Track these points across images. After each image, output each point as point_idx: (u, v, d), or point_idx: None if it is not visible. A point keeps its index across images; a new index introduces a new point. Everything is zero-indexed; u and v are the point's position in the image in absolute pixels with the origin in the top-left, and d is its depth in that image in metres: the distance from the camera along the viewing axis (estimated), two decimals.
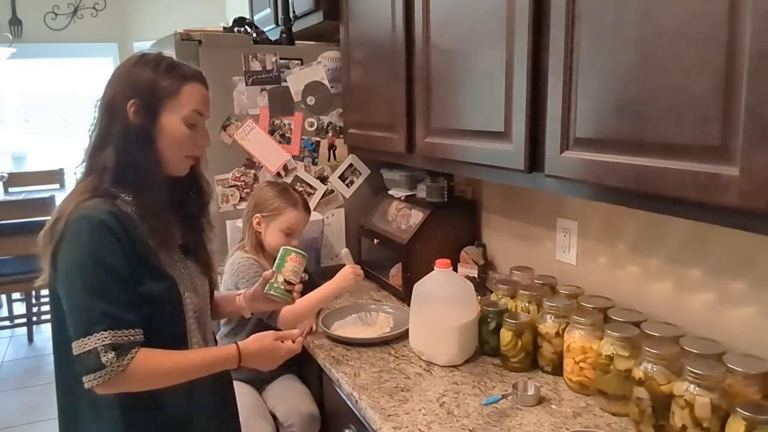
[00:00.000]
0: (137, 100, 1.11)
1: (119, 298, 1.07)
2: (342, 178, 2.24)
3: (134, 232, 1.11)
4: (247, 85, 2.03)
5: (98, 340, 1.04)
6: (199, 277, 1.27)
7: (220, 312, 1.45)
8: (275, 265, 1.36)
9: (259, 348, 1.22)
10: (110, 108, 1.14)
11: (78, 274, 1.06)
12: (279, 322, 1.65)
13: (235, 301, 1.42)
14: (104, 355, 1.04)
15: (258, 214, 1.81)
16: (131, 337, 1.07)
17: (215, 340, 1.39)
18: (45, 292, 4.14)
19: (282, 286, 1.33)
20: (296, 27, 2.21)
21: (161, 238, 1.15)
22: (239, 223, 1.98)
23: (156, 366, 1.10)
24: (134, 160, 1.12)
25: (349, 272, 1.76)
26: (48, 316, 3.99)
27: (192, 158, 1.20)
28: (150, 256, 1.13)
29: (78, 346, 1.05)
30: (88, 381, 1.05)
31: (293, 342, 1.28)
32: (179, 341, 1.19)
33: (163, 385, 1.13)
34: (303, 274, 1.38)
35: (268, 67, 2.05)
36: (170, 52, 1.96)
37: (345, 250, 1.83)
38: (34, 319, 4.07)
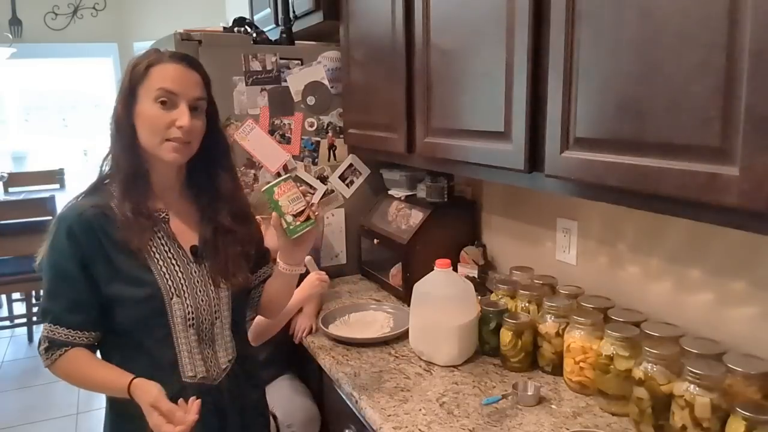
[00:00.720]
0: (120, 96, 1.15)
1: (64, 300, 1.14)
2: (342, 178, 2.24)
3: (111, 232, 1.13)
4: (247, 85, 2.03)
5: (45, 330, 1.16)
6: (207, 284, 1.21)
7: (274, 309, 1.41)
8: (272, 210, 1.22)
9: (142, 401, 1.08)
10: (115, 104, 1.18)
11: (42, 271, 1.16)
12: (252, 338, 1.57)
13: (279, 276, 1.33)
14: (41, 345, 1.18)
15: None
16: (67, 337, 1.15)
17: (235, 350, 1.27)
18: None
19: (296, 222, 1.21)
20: (296, 27, 2.21)
21: (132, 238, 1.13)
22: None
23: (72, 370, 1.18)
24: (117, 152, 1.17)
25: (314, 278, 1.75)
26: None
27: (174, 143, 1.13)
28: (124, 258, 1.13)
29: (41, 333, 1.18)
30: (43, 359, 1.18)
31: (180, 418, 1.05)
32: (165, 345, 1.17)
33: (81, 387, 1.24)
34: (305, 188, 1.33)
35: (268, 67, 2.05)
36: None
37: (308, 258, 1.76)
38: (34, 319, 4.06)
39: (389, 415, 1.29)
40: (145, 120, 1.13)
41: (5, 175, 4.84)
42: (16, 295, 4.30)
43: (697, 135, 0.85)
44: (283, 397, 1.81)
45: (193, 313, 1.19)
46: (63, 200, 4.03)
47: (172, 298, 1.16)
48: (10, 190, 4.73)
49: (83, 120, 6.09)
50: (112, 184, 1.17)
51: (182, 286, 1.18)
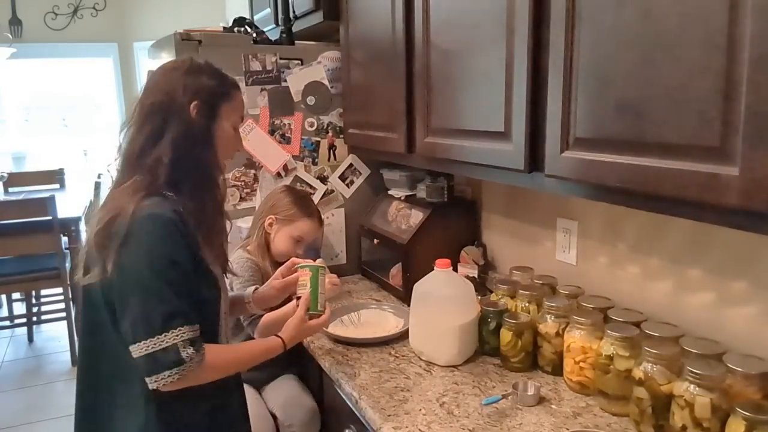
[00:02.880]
0: (199, 101, 1.15)
1: (189, 296, 1.10)
2: (342, 178, 2.24)
3: (191, 233, 1.14)
4: (247, 85, 2.02)
5: (176, 336, 1.05)
6: (222, 277, 1.30)
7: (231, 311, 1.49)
8: (312, 284, 1.39)
9: (296, 332, 1.33)
10: (167, 108, 1.14)
11: (151, 271, 1.06)
12: (257, 331, 1.59)
13: (244, 305, 1.49)
14: (184, 350, 1.05)
15: (272, 216, 1.82)
16: (199, 333, 1.10)
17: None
18: (45, 292, 4.15)
19: (322, 305, 1.41)
20: (296, 27, 2.21)
21: (213, 240, 1.20)
22: (239, 222, 1.98)
23: (222, 359, 1.16)
24: (195, 159, 1.15)
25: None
26: (48, 316, 4.01)
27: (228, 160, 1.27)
28: (201, 258, 1.16)
29: (150, 345, 1.04)
30: (159, 379, 1.05)
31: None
32: (212, 339, 1.20)
33: (224, 375, 1.19)
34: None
35: (268, 67, 2.05)
36: (170, 52, 1.96)
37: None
38: (34, 319, 4.06)
39: (389, 415, 1.29)
40: (223, 138, 1.20)
41: (5, 175, 4.84)
42: (16, 295, 4.29)
43: (697, 135, 0.85)
44: (283, 397, 1.81)
45: (226, 305, 1.29)
46: (63, 200, 4.01)
47: (221, 294, 1.25)
48: (10, 190, 4.72)
49: (83, 120, 6.08)
50: (169, 184, 1.13)
51: (222, 282, 1.27)
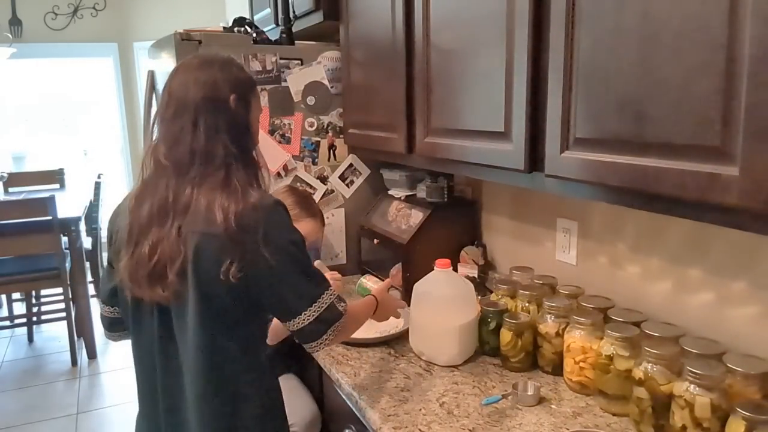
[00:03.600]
0: (236, 94, 1.18)
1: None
2: (342, 178, 2.24)
3: None
4: None
5: (331, 295, 1.19)
6: None
7: None
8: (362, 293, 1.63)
9: (387, 302, 1.51)
10: (214, 102, 1.15)
11: (298, 249, 1.17)
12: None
13: None
14: (339, 305, 1.21)
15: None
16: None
17: None
18: (45, 292, 4.15)
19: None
20: (296, 27, 2.21)
21: None
22: None
23: (353, 312, 1.28)
24: (247, 147, 1.21)
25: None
26: (48, 316, 4.00)
27: None
28: None
29: (315, 309, 1.16)
30: (325, 339, 1.18)
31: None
32: None
33: (355, 330, 1.34)
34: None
35: (268, 67, 2.05)
36: (170, 52, 1.96)
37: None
38: (34, 319, 4.06)
39: (389, 415, 1.29)
40: (255, 128, 1.26)
41: (5, 175, 4.84)
42: (16, 295, 4.30)
43: (697, 135, 0.85)
44: (284, 397, 1.80)
45: None
46: (63, 200, 4.02)
47: None
48: (10, 190, 4.72)
49: (83, 120, 6.09)
50: (240, 175, 1.15)
51: None
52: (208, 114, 1.14)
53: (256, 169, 1.21)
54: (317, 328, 1.17)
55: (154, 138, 1.19)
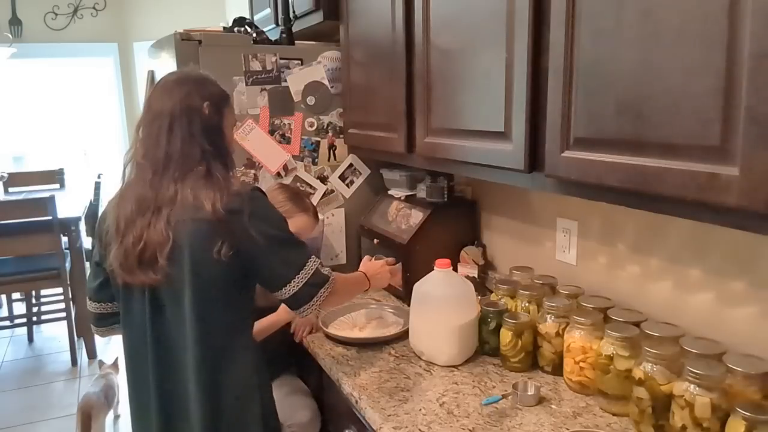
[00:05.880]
0: (209, 102, 1.30)
1: None
2: (342, 178, 2.24)
3: None
4: (247, 85, 2.03)
5: (315, 262, 1.33)
6: None
7: None
8: None
9: (376, 272, 1.64)
10: (188, 109, 1.27)
11: (281, 226, 1.31)
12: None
13: None
14: (323, 269, 1.35)
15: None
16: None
17: None
18: (45, 292, 4.16)
19: None
20: (296, 27, 2.21)
21: None
22: None
23: (341, 280, 1.41)
24: (224, 147, 1.33)
25: None
26: (48, 316, 4.01)
27: None
28: None
29: (303, 276, 1.30)
30: (315, 301, 1.32)
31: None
32: None
33: (346, 298, 1.59)
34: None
35: (268, 67, 2.05)
36: (170, 52, 1.96)
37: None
38: (34, 319, 4.06)
39: (389, 415, 1.29)
40: (228, 135, 1.37)
41: (5, 175, 4.84)
42: (16, 295, 4.30)
43: (697, 135, 0.85)
44: (283, 397, 1.80)
45: None
46: (63, 200, 4.01)
47: None
48: (10, 190, 4.72)
49: (83, 120, 6.09)
50: (219, 169, 1.28)
51: None
52: (183, 119, 1.26)
53: (233, 167, 1.35)
54: (308, 291, 1.30)
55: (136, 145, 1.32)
